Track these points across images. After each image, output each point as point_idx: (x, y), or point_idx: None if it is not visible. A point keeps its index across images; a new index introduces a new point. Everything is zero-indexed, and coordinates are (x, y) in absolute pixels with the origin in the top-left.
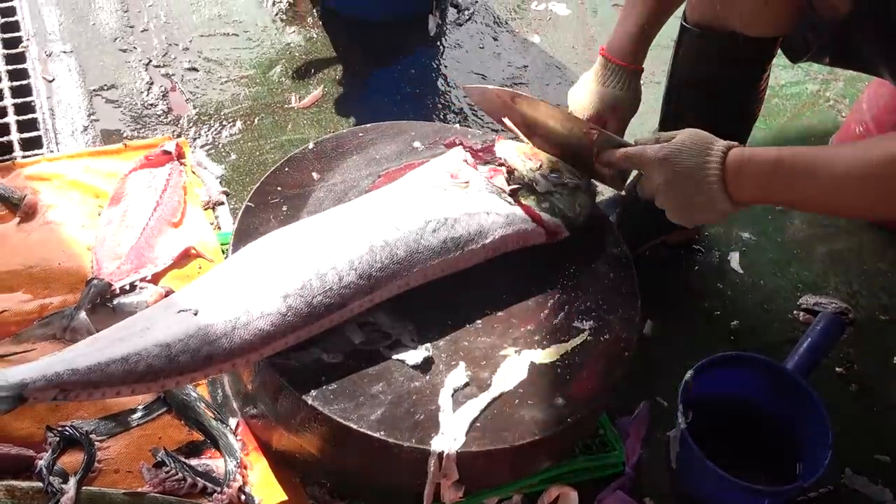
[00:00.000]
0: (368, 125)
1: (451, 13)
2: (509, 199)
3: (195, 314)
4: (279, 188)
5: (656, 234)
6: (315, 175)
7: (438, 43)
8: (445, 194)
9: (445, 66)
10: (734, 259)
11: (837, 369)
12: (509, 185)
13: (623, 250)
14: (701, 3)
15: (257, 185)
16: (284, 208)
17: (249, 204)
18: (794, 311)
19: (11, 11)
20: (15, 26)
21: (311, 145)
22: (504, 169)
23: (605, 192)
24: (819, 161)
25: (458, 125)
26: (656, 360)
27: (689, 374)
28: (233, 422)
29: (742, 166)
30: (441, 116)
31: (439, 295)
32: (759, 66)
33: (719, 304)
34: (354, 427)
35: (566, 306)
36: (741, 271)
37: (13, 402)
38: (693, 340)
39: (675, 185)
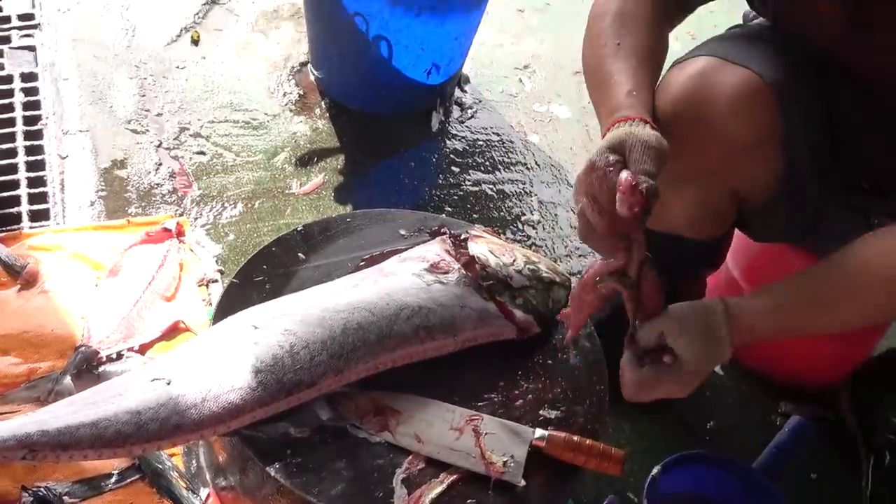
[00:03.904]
0: (357, 211)
1: (455, 111)
2: (485, 293)
3: (168, 383)
4: (265, 267)
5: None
6: (301, 256)
7: (440, 138)
8: (423, 283)
9: (446, 161)
10: None
11: (812, 475)
12: (484, 281)
13: (595, 344)
14: None
15: (244, 263)
16: (268, 286)
17: (234, 280)
18: (773, 415)
19: (34, 91)
20: (36, 105)
21: (299, 227)
22: (478, 265)
23: None
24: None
25: (444, 216)
26: (629, 454)
27: (655, 469)
28: (204, 492)
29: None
30: (436, 209)
31: (408, 376)
32: (714, 250)
33: (696, 403)
34: (314, 501)
35: (533, 394)
36: (721, 374)
37: None
38: (667, 438)
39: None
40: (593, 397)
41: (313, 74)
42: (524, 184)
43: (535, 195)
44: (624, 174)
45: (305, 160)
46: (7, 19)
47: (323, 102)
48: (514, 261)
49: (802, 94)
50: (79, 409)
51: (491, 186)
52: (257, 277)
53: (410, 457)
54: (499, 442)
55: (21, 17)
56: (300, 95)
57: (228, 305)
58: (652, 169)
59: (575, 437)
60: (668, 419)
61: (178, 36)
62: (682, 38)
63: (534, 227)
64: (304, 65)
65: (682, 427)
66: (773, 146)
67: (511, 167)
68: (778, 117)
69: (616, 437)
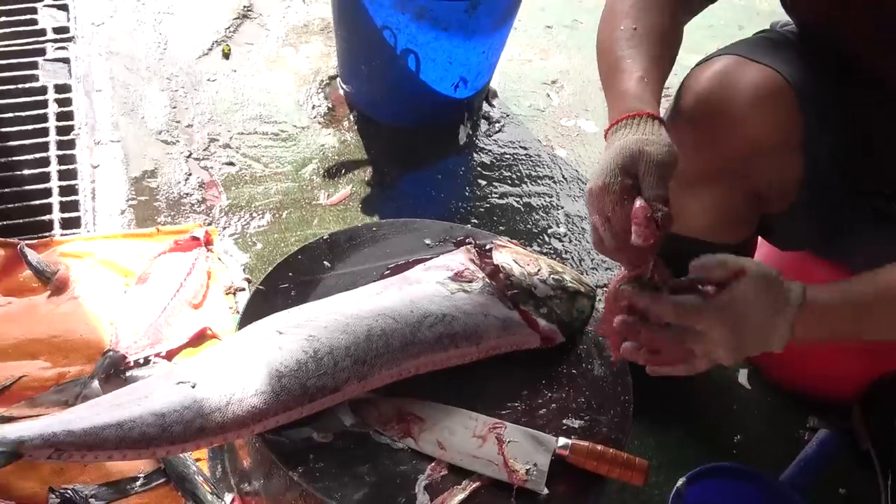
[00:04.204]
0: (383, 221)
1: (483, 124)
2: (509, 302)
3: (193, 386)
4: (290, 274)
5: None
6: (326, 264)
7: (467, 151)
8: (447, 292)
9: (473, 174)
10: (742, 375)
11: (841, 490)
12: (508, 290)
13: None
14: None
15: (270, 270)
16: (293, 293)
17: (260, 287)
18: (801, 430)
19: (68, 102)
20: (70, 116)
21: (325, 236)
22: (502, 275)
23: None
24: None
25: (469, 227)
26: (654, 467)
27: (680, 481)
28: (228, 497)
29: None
30: (462, 221)
31: (431, 384)
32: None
33: (723, 417)
34: None
35: (557, 403)
36: (749, 387)
37: (8, 457)
38: (693, 450)
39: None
40: (617, 407)
41: (342, 88)
42: (551, 197)
43: (562, 208)
44: (639, 203)
45: (333, 172)
46: (42, 32)
47: (351, 115)
48: (538, 270)
49: (825, 98)
50: (104, 410)
51: (517, 199)
52: (283, 284)
53: (433, 463)
54: (522, 450)
55: (56, 30)
56: (329, 108)
57: (254, 312)
58: (666, 193)
59: (598, 447)
60: (694, 431)
61: (210, 49)
62: None
63: (560, 240)
64: (332, 78)
65: (707, 439)
66: (795, 147)
67: (538, 181)
68: (799, 117)
69: (640, 449)
